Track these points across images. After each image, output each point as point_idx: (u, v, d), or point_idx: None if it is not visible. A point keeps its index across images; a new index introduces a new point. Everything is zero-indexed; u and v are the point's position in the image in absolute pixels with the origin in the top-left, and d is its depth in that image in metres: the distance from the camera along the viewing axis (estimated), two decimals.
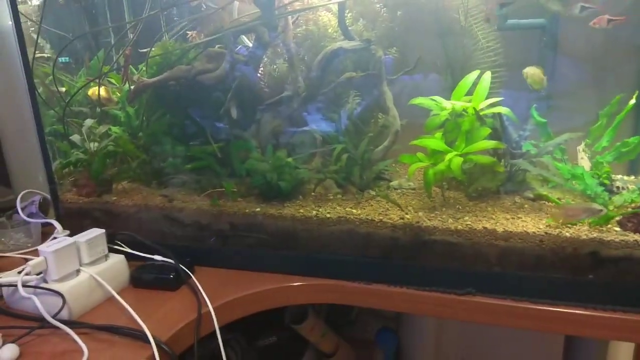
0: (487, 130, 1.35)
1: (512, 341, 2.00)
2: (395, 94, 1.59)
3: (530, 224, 1.27)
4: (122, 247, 1.49)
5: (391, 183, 1.58)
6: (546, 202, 1.40)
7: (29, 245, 1.76)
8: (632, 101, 1.48)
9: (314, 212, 1.42)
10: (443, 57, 1.62)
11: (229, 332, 1.75)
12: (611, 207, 1.28)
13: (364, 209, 1.43)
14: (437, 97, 1.45)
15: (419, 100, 1.47)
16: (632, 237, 1.18)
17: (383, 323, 2.17)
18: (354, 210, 1.41)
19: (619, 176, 1.57)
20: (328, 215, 1.40)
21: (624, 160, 1.48)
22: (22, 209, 1.78)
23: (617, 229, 1.23)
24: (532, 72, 1.47)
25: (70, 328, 1.18)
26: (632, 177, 1.60)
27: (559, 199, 1.39)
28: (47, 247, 1.26)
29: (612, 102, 1.48)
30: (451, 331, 2.09)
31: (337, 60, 1.56)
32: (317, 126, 1.60)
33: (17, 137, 1.92)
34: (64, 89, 1.80)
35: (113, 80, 1.78)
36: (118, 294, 1.33)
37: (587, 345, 1.65)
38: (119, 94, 1.78)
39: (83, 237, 1.35)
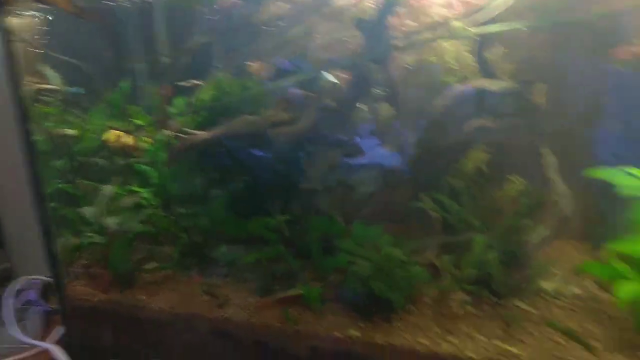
0: None
1: None
2: None
3: None
4: None
5: (544, 286, 1.08)
6: None
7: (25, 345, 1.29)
8: None
9: (444, 345, 0.94)
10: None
11: None
12: None
13: (524, 342, 0.94)
14: (637, 170, 0.95)
15: (603, 174, 0.97)
16: None
17: None
18: (510, 348, 0.92)
19: None
20: (469, 354, 0.91)
21: None
22: (20, 292, 1.34)
23: None
24: None
25: None
26: None
27: None
28: None
29: None
30: None
31: (468, 104, 1.07)
32: (433, 200, 1.11)
33: (14, 191, 1.44)
34: (72, 132, 1.33)
35: (140, 122, 1.30)
36: None
37: None
38: (149, 140, 1.30)
39: None
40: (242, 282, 1.16)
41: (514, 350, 0.91)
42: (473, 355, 0.91)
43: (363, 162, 1.22)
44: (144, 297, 1.14)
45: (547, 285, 1.08)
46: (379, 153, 1.23)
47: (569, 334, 0.93)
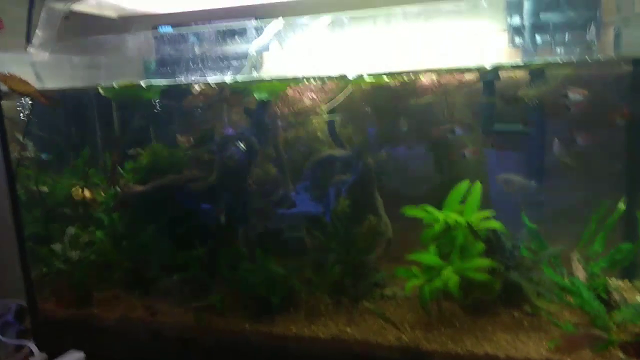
0: (481, 246, 1.33)
1: None
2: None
3: (532, 348, 1.23)
4: None
5: (385, 292, 1.53)
6: (545, 318, 1.36)
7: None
8: (621, 205, 1.48)
9: (306, 331, 1.36)
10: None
11: None
12: (611, 323, 1.25)
13: (359, 325, 1.37)
14: (429, 207, 1.43)
15: (412, 211, 1.45)
16: None
17: None
18: (348, 329, 1.36)
19: (615, 283, 1.55)
20: (321, 335, 1.34)
21: (617, 267, 1.48)
22: None
23: (621, 355, 1.19)
24: None
25: None
26: (627, 282, 1.58)
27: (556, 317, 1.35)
28: None
29: (600, 208, 1.48)
30: None
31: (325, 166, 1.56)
32: (307, 231, 1.57)
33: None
34: (45, 189, 1.75)
35: (97, 181, 1.73)
36: None
37: None
38: (103, 194, 1.73)
39: None
40: (170, 297, 1.57)
41: (350, 330, 1.35)
42: (322, 335, 1.34)
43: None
44: (97, 311, 1.54)
45: (387, 291, 1.54)
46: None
47: (386, 320, 1.37)
